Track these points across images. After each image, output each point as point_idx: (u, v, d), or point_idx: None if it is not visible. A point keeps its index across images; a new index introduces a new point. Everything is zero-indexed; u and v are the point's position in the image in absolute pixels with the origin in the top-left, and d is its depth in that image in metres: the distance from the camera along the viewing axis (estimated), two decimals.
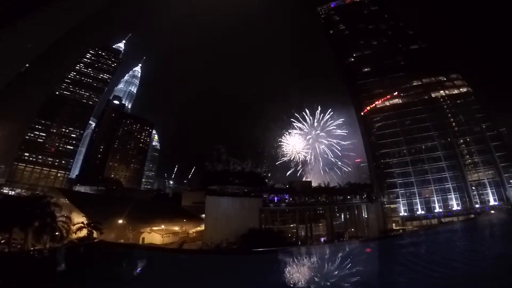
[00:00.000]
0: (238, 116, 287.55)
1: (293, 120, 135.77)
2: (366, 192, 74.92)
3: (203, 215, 64.47)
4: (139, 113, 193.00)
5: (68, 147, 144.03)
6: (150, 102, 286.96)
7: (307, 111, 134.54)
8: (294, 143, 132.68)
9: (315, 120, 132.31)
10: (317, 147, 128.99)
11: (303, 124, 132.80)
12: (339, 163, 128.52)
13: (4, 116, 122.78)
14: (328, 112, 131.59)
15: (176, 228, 64.14)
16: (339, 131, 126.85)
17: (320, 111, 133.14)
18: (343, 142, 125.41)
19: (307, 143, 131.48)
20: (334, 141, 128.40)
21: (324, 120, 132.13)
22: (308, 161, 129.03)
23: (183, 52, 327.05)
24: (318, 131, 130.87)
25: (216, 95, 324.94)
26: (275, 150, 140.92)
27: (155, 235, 57.87)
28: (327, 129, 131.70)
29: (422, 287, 7.30)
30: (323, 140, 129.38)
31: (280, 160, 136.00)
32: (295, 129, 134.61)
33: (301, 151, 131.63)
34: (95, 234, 44.83)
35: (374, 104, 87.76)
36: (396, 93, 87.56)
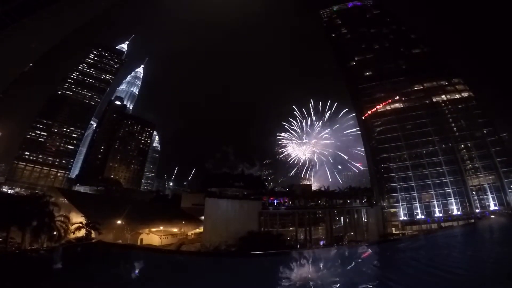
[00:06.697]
0: (239, 117, 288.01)
1: (293, 122, 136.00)
2: (366, 196, 74.62)
3: (202, 217, 64.22)
4: (141, 114, 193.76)
5: (68, 146, 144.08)
6: (152, 103, 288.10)
7: (308, 113, 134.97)
8: (295, 147, 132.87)
9: (315, 123, 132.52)
10: (317, 150, 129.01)
11: (303, 128, 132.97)
12: (340, 166, 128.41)
13: (6, 114, 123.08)
14: (327, 116, 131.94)
15: (175, 230, 63.86)
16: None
17: (320, 113, 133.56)
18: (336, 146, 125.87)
19: (307, 146, 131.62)
20: (334, 145, 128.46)
21: (325, 123, 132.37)
22: (308, 164, 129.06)
23: (185, 54, 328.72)
24: (318, 134, 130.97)
25: (217, 97, 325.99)
26: (276, 153, 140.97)
27: (154, 236, 57.62)
28: (327, 132, 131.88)
29: None
30: (322, 146, 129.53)
31: (280, 162, 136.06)
32: (296, 131, 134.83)
33: (302, 154, 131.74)
34: (93, 234, 44.69)
35: (375, 108, 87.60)
36: (398, 97, 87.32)
